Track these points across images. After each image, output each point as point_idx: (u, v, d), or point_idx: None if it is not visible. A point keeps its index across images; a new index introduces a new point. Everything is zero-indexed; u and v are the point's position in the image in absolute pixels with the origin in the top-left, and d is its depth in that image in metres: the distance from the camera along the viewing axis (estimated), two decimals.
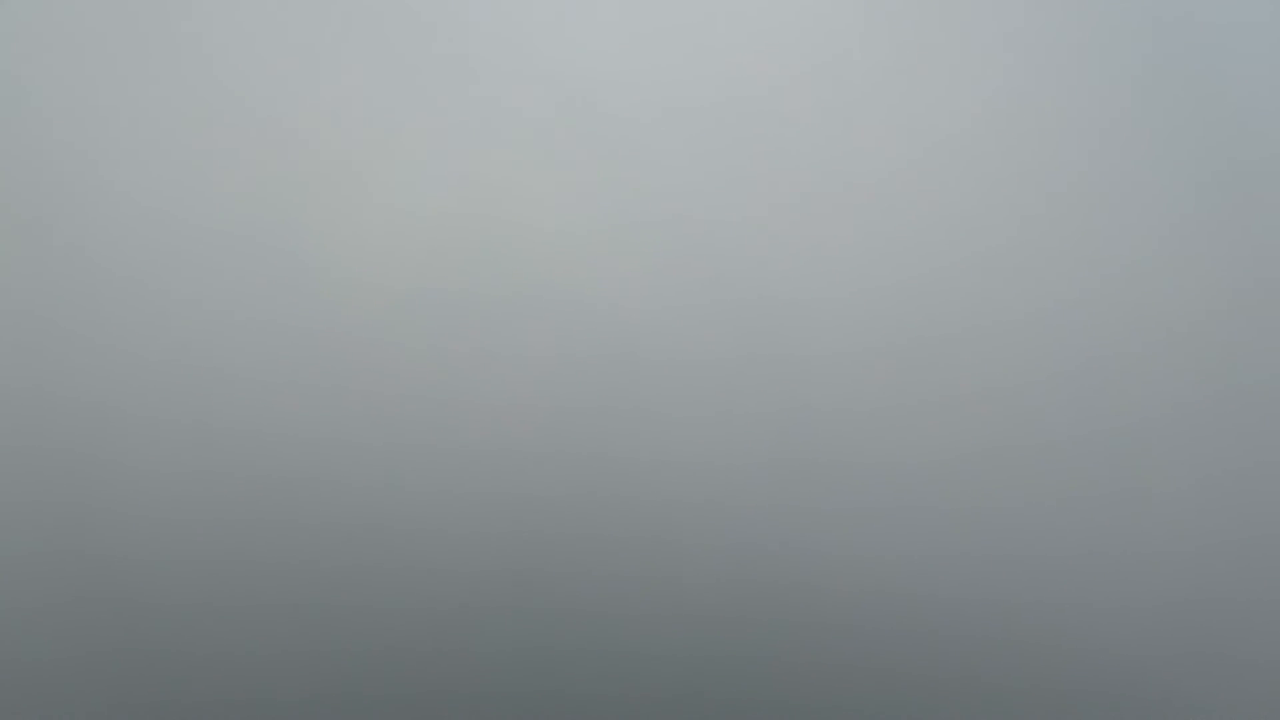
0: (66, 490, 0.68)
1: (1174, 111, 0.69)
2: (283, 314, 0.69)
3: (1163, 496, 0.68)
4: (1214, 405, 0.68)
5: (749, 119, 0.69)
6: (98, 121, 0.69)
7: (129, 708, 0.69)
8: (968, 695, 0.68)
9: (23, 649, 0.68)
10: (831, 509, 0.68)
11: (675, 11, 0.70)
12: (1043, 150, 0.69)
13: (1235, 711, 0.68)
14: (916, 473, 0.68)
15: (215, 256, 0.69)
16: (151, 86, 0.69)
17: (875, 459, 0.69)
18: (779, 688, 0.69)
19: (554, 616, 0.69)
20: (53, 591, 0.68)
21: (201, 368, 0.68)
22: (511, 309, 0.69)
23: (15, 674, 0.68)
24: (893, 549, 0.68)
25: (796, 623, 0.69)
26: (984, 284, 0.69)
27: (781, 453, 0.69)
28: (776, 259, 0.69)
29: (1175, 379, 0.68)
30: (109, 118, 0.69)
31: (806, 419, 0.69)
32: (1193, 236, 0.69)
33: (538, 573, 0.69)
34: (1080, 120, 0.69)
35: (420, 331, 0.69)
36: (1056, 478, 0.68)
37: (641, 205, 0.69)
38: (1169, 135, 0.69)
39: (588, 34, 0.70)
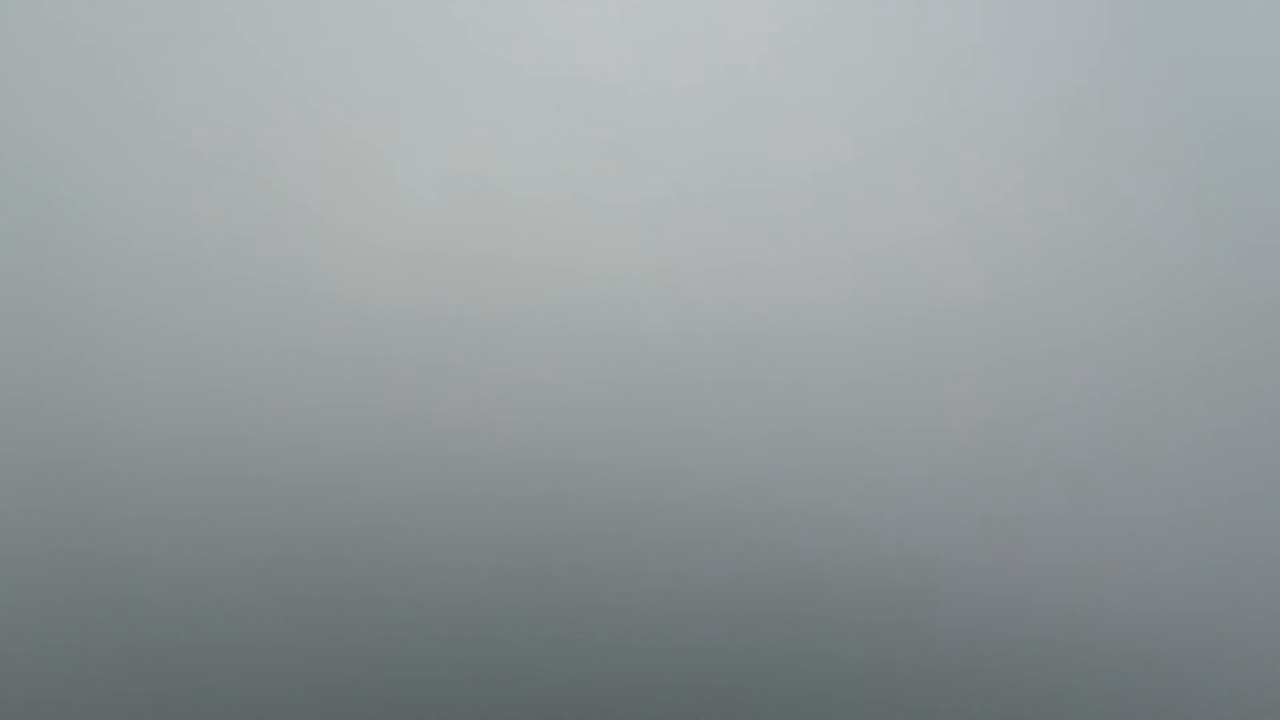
0: (67, 496, 0.68)
1: (1175, 106, 0.69)
2: (284, 323, 0.69)
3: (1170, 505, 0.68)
4: (1223, 420, 0.68)
5: (756, 121, 0.69)
6: (96, 130, 0.69)
7: (127, 706, 0.69)
8: (971, 692, 0.69)
9: (22, 648, 0.68)
10: (836, 513, 0.69)
11: (681, 12, 0.70)
12: (1049, 149, 0.69)
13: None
14: (920, 482, 0.68)
15: (218, 266, 0.69)
16: (150, 95, 0.69)
17: (881, 467, 0.69)
18: (783, 684, 0.69)
19: (565, 614, 0.70)
20: (53, 592, 0.68)
21: (206, 376, 0.69)
22: (514, 318, 0.69)
23: (15, 673, 0.68)
24: (898, 551, 0.69)
25: (799, 620, 0.69)
26: (991, 285, 0.69)
27: (788, 458, 0.69)
28: (784, 260, 0.69)
29: (1187, 392, 0.68)
30: (108, 127, 0.69)
31: (814, 423, 0.69)
32: (1199, 236, 0.69)
33: (545, 572, 0.69)
34: (1086, 119, 0.69)
35: (423, 340, 0.69)
36: (1056, 486, 0.68)
37: (643, 208, 0.69)
38: (1172, 132, 0.69)
39: (592, 37, 0.69)
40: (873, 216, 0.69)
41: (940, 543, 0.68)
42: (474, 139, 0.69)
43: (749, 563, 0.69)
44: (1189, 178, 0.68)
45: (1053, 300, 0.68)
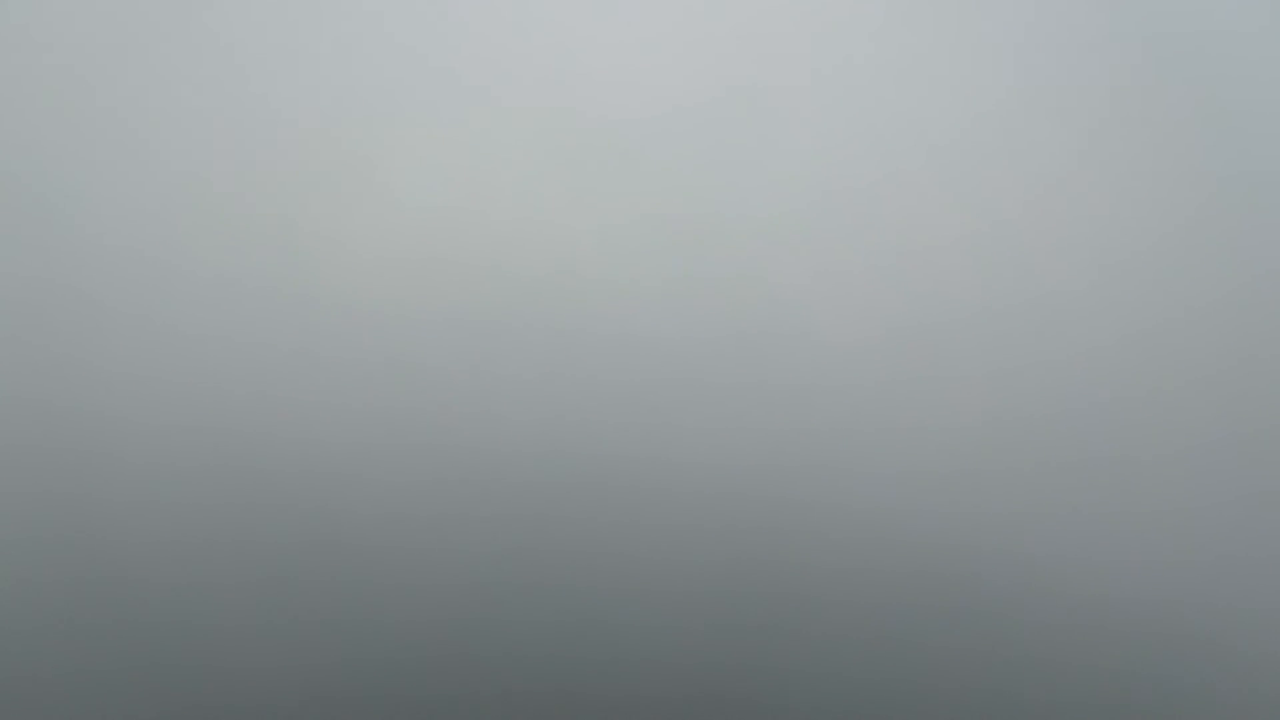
0: (66, 489, 0.68)
1: (1176, 109, 0.69)
2: (282, 323, 0.69)
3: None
4: (1224, 423, 0.68)
5: (752, 122, 0.69)
6: (94, 132, 0.69)
7: (126, 692, 0.69)
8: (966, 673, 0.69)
9: (21, 636, 0.68)
10: (845, 508, 0.69)
11: (678, 13, 0.70)
12: (1054, 162, 0.69)
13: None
14: (926, 480, 0.69)
15: (215, 266, 0.69)
16: (147, 96, 0.69)
17: (887, 466, 0.69)
18: (788, 679, 0.70)
19: (562, 612, 0.70)
20: (52, 582, 0.68)
21: (203, 375, 0.69)
22: (511, 321, 0.69)
23: (14, 658, 0.68)
24: (904, 543, 0.69)
25: (802, 605, 0.69)
26: (996, 292, 0.69)
27: (791, 456, 0.69)
28: (778, 260, 0.69)
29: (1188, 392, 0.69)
30: (106, 129, 0.69)
31: (820, 425, 0.69)
32: (1200, 247, 0.69)
33: (537, 573, 0.70)
34: (1091, 131, 0.69)
35: (420, 342, 0.69)
36: (1058, 486, 0.69)
37: (641, 210, 0.69)
38: (1173, 131, 0.69)
39: (595, 44, 0.70)
40: (878, 225, 0.69)
41: (944, 538, 0.69)
42: (474, 144, 0.69)
43: (750, 551, 0.69)
44: (1193, 190, 0.69)
45: (1058, 308, 0.69)
